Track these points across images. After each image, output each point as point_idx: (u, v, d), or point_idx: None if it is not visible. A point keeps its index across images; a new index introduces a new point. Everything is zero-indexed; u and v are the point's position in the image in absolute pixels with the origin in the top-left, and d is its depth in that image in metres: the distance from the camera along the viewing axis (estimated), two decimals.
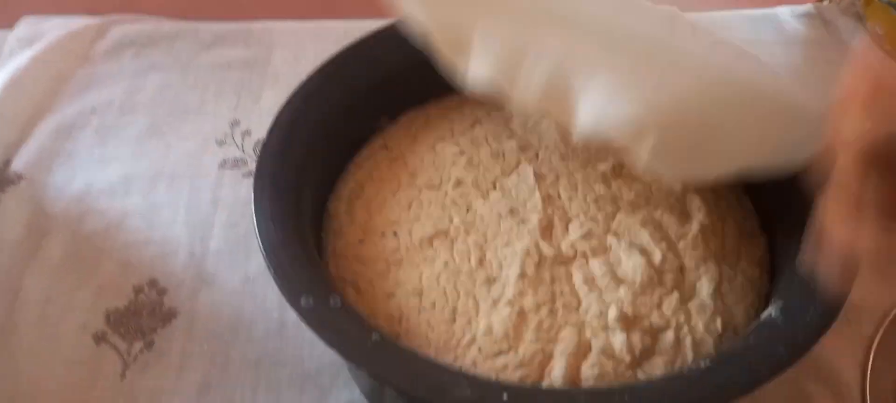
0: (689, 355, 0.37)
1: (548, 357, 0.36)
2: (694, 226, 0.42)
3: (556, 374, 0.36)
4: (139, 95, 0.69)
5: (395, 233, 0.42)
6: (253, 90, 0.70)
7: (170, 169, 0.61)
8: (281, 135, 0.42)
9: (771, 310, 0.35)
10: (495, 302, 0.38)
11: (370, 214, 0.43)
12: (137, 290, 0.53)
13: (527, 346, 0.36)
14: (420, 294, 0.39)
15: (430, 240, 0.41)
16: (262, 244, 0.36)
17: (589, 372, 0.36)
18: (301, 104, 0.44)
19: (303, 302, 0.33)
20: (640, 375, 0.36)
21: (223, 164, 0.62)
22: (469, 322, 0.37)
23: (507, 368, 0.36)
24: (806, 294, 0.35)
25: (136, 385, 0.47)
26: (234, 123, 0.66)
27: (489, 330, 0.37)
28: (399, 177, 0.45)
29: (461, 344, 0.37)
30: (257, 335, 0.50)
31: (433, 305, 0.38)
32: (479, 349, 0.36)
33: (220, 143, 0.64)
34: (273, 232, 0.37)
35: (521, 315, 0.37)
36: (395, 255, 0.41)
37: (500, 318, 0.37)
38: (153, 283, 0.53)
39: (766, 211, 0.44)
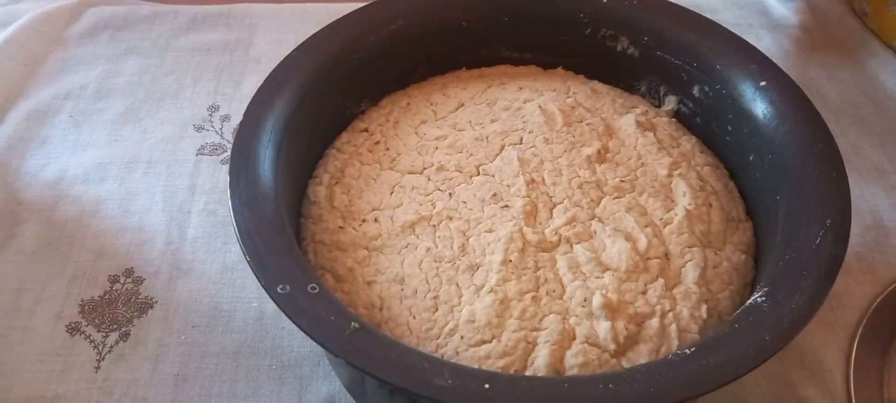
0: (674, 342, 0.36)
1: (531, 346, 0.36)
2: (679, 212, 0.41)
3: (539, 363, 0.35)
4: (115, 80, 0.68)
5: (376, 219, 0.41)
6: (233, 74, 0.69)
7: (146, 155, 0.60)
8: (258, 117, 0.40)
9: (756, 297, 0.34)
10: (478, 290, 0.37)
11: (350, 199, 0.42)
12: (113, 279, 0.52)
13: (510, 334, 0.36)
14: (401, 281, 0.38)
15: (412, 226, 0.40)
16: (238, 229, 0.35)
17: (573, 361, 0.35)
18: (278, 85, 0.42)
19: (279, 288, 0.32)
20: (625, 363, 0.36)
21: (201, 150, 0.61)
22: (451, 310, 0.37)
23: (490, 357, 0.35)
24: (791, 280, 0.34)
25: (110, 376, 0.46)
26: (213, 108, 0.65)
27: (472, 318, 0.36)
28: (380, 161, 0.44)
29: (443, 333, 0.36)
30: (236, 325, 0.49)
31: (415, 293, 0.37)
32: (462, 337, 0.36)
33: (199, 129, 0.63)
34: (249, 217, 0.35)
35: (505, 302, 0.37)
36: (375, 242, 0.40)
37: (483, 306, 0.36)
38: (129, 272, 0.52)
39: (752, 197, 0.44)
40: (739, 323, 0.33)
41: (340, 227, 0.41)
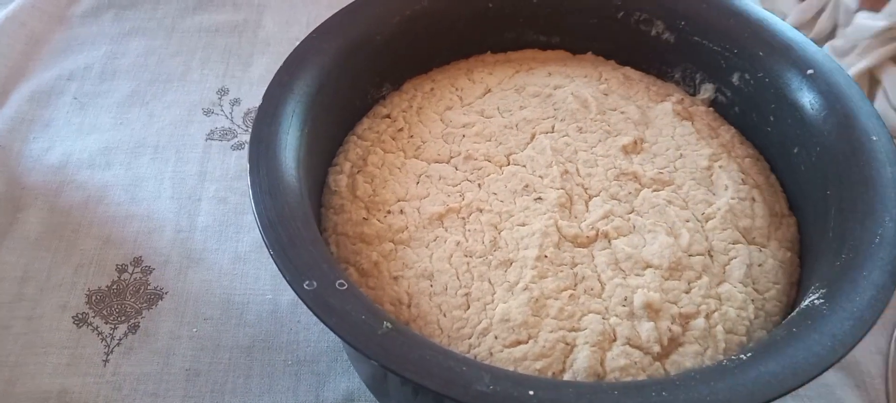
0: (721, 344, 0.34)
1: (570, 347, 0.34)
2: (722, 206, 0.39)
3: (578, 365, 0.33)
4: (120, 61, 0.66)
5: (401, 211, 0.39)
6: (242, 56, 0.66)
7: (154, 139, 0.58)
8: (278, 100, 0.38)
9: (813, 298, 0.32)
10: (512, 287, 0.35)
11: (374, 189, 0.40)
12: (121, 269, 0.50)
13: (547, 335, 0.34)
14: (430, 277, 0.36)
15: (440, 218, 0.39)
16: (260, 220, 0.33)
17: (614, 364, 0.33)
18: (298, 67, 0.40)
19: (306, 285, 0.30)
20: (669, 366, 0.34)
21: (211, 135, 0.59)
22: (484, 308, 0.35)
23: (526, 358, 0.33)
24: (850, 280, 0.32)
25: (119, 370, 0.44)
26: (223, 91, 0.63)
27: (506, 317, 0.34)
28: (404, 149, 0.43)
29: (476, 332, 0.34)
30: (249, 318, 0.47)
31: (445, 289, 0.36)
32: (496, 337, 0.34)
33: (208, 113, 0.61)
34: (271, 207, 0.33)
35: (540, 301, 0.35)
36: (402, 234, 0.38)
37: (518, 304, 0.34)
38: (137, 261, 0.50)
39: (795, 191, 0.42)
40: (797, 328, 0.31)
41: (364, 218, 0.39)
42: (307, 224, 0.34)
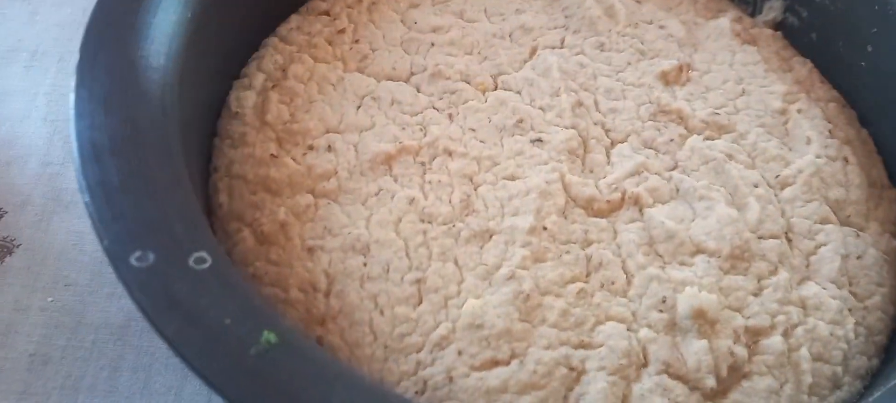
0: (806, 378, 0.26)
1: (576, 374, 0.25)
2: (805, 165, 0.31)
3: None
4: None
5: (330, 147, 0.31)
6: None
7: (31, 43, 0.49)
8: None
9: None
10: (490, 273, 0.27)
11: (293, 113, 0.32)
12: None
13: (541, 353, 0.25)
14: (365, 251, 0.28)
15: (389, 162, 0.30)
16: (78, 146, 0.22)
17: None
18: None
19: (134, 258, 0.20)
20: None
21: None
22: (445, 304, 0.26)
23: (506, 389, 0.24)
24: None
25: None
26: None
27: (479, 321, 0.26)
28: (344, 59, 0.34)
29: (429, 343, 0.26)
30: None
31: (386, 271, 0.27)
32: (460, 352, 0.25)
33: None
34: (102, 126, 0.23)
35: (533, 298, 0.26)
36: (327, 183, 0.30)
37: (499, 301, 0.26)
38: None
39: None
40: None
41: (273, 155, 0.30)
42: (166, 156, 0.25)
